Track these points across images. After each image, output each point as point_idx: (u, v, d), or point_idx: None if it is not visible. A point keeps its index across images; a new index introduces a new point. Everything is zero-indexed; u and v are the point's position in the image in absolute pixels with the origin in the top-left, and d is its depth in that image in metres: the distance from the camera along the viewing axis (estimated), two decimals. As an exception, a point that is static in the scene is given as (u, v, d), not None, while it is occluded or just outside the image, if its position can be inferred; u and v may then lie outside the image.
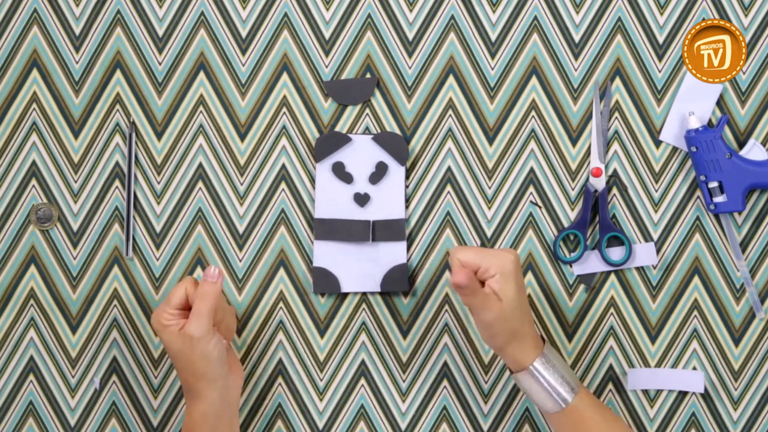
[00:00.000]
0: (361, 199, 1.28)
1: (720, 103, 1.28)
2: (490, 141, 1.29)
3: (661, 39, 1.29)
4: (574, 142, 1.29)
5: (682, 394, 1.28)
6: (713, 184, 1.26)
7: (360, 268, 1.28)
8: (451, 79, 1.29)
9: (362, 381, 1.28)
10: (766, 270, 1.28)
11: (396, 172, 1.28)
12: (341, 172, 1.28)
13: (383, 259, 1.28)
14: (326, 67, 1.30)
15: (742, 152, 1.26)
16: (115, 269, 1.29)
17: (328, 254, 1.28)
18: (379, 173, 1.28)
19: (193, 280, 1.19)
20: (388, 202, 1.28)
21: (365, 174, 1.28)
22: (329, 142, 1.28)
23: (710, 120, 1.28)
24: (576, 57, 1.29)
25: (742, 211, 1.26)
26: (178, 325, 1.17)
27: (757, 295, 1.27)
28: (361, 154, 1.28)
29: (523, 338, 1.16)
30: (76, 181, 1.29)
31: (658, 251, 1.28)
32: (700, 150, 1.25)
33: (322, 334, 1.29)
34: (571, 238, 1.29)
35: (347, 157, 1.29)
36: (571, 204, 1.29)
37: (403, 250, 1.28)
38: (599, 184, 1.28)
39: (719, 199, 1.26)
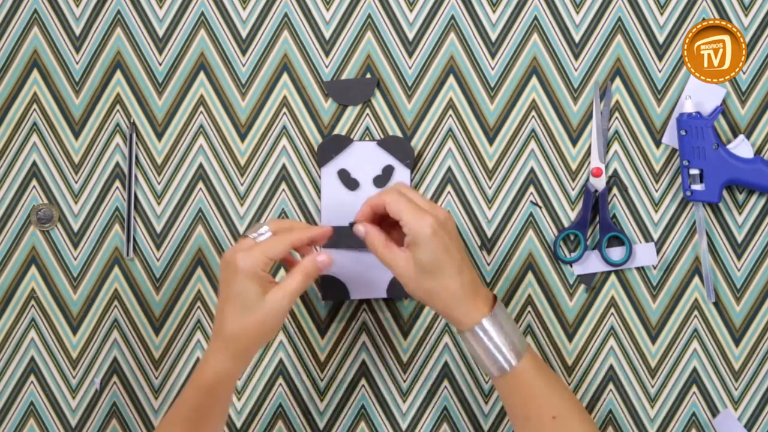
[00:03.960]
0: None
1: (722, 104, 1.29)
2: (490, 141, 1.29)
3: (661, 39, 1.29)
4: (574, 142, 1.29)
5: (683, 394, 1.28)
6: (694, 171, 1.26)
7: (368, 275, 1.27)
8: (451, 79, 1.30)
9: (363, 381, 1.29)
10: (766, 270, 1.28)
11: (402, 176, 1.28)
12: (347, 179, 1.28)
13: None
14: (326, 67, 1.30)
15: (730, 146, 1.27)
16: (116, 270, 1.29)
17: (335, 262, 1.27)
18: (385, 176, 1.28)
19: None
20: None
21: (371, 177, 1.28)
22: (331, 145, 1.28)
23: (713, 125, 1.28)
24: (576, 57, 1.29)
25: (717, 203, 1.26)
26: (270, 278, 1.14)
27: (711, 282, 1.28)
28: (366, 159, 1.28)
29: (463, 301, 1.13)
30: (76, 182, 1.29)
31: (658, 251, 1.28)
32: (689, 135, 1.25)
33: (322, 334, 1.29)
34: (572, 238, 1.29)
35: (352, 163, 1.28)
36: (571, 204, 1.29)
37: None
38: (599, 184, 1.28)
39: (697, 187, 1.26)
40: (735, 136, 1.28)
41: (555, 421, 1.15)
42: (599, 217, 1.28)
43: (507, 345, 1.14)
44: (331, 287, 1.28)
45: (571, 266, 1.28)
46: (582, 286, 1.29)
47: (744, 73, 1.29)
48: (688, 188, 1.26)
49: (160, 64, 1.30)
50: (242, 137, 1.29)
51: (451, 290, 1.13)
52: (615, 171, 1.29)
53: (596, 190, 1.28)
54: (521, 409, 1.15)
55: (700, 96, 1.28)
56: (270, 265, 1.13)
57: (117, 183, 1.29)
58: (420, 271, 1.13)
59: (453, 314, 1.14)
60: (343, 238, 1.27)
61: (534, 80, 1.29)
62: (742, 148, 1.27)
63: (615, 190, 1.29)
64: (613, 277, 1.28)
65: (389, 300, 1.29)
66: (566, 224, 1.29)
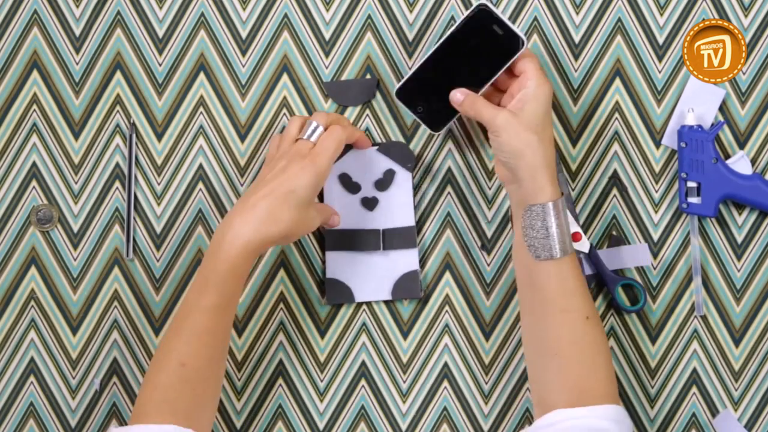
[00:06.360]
0: (369, 203, 1.27)
1: (721, 104, 1.28)
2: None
3: (661, 39, 1.29)
4: (574, 142, 1.29)
5: (682, 394, 1.28)
6: (692, 184, 1.26)
7: (372, 276, 1.27)
8: (451, 80, 1.29)
9: (363, 382, 1.29)
10: (766, 270, 1.28)
11: (403, 179, 1.28)
12: (348, 183, 1.28)
13: (395, 266, 1.27)
14: (326, 67, 1.30)
15: (729, 161, 1.27)
16: (116, 270, 1.29)
17: (340, 264, 1.27)
18: (386, 180, 1.28)
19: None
20: (397, 209, 1.28)
21: (371, 181, 1.28)
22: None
23: (713, 140, 1.27)
24: (576, 57, 1.29)
25: (713, 217, 1.26)
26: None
27: (702, 296, 1.28)
28: (367, 164, 1.28)
29: (549, 169, 1.15)
30: (76, 183, 1.29)
31: (657, 252, 1.28)
32: (689, 147, 1.25)
33: (322, 335, 1.29)
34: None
35: (353, 168, 1.28)
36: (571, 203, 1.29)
37: (415, 256, 1.27)
38: (584, 246, 1.27)
39: (694, 200, 1.26)
40: (734, 136, 1.28)
41: (588, 322, 1.15)
42: (601, 274, 1.27)
43: (565, 232, 1.15)
44: (336, 290, 1.27)
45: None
46: (582, 287, 1.29)
47: (744, 73, 1.29)
48: (685, 200, 1.26)
49: (160, 65, 1.30)
50: (242, 138, 1.29)
51: (548, 151, 1.15)
52: (615, 171, 1.29)
53: (584, 253, 1.27)
54: (560, 301, 1.15)
55: (699, 97, 1.28)
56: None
57: (117, 183, 1.29)
58: (523, 126, 1.15)
59: (537, 177, 1.15)
60: (348, 240, 1.27)
61: (534, 80, 1.29)
62: (741, 163, 1.27)
63: (615, 190, 1.29)
64: (613, 278, 1.29)
65: (389, 301, 1.29)
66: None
